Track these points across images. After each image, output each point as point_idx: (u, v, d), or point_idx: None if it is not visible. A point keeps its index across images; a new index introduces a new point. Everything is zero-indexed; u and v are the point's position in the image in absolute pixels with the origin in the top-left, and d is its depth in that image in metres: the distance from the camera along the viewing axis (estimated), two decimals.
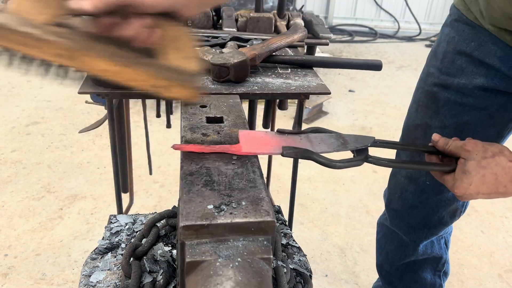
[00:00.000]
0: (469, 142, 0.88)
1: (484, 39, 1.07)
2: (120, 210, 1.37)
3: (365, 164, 0.86)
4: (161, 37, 0.69)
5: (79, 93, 1.08)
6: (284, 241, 1.08)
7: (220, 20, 1.53)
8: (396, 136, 3.39)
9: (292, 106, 3.27)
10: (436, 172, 0.95)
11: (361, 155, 0.85)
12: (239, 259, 0.60)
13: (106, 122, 1.28)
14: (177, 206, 0.93)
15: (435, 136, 0.94)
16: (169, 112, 1.93)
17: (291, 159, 1.39)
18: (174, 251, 0.96)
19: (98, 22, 0.65)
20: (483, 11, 1.05)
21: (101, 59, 0.65)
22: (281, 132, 0.86)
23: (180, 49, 0.71)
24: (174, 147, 0.79)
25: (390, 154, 0.92)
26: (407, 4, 6.29)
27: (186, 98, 0.71)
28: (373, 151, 0.87)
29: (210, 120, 0.94)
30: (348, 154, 0.87)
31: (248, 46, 1.29)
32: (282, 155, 0.79)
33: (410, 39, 6.23)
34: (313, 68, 1.31)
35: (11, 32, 0.62)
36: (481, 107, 1.13)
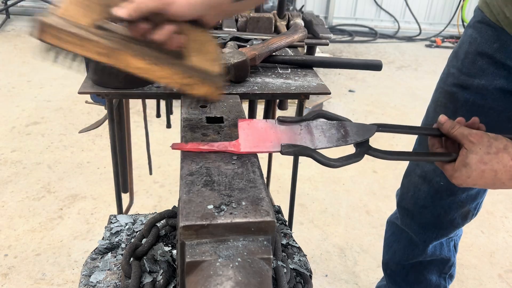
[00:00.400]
0: (475, 133, 0.87)
1: (507, 41, 1.07)
2: (120, 210, 1.37)
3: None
4: (189, 42, 0.79)
5: (79, 93, 1.08)
6: (284, 241, 1.08)
7: (220, 20, 1.53)
8: (396, 136, 3.39)
9: (292, 106, 3.26)
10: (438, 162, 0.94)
11: (361, 148, 0.84)
12: (239, 259, 0.60)
13: (106, 122, 1.28)
14: (177, 206, 0.93)
15: (442, 118, 0.93)
16: (169, 112, 1.93)
17: (291, 159, 1.39)
18: (174, 251, 0.96)
19: (133, 27, 0.75)
20: (509, 16, 1.05)
21: (135, 58, 0.75)
22: (282, 121, 0.86)
23: (206, 53, 0.81)
24: (173, 146, 0.79)
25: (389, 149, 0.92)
26: (407, 4, 6.29)
27: (209, 95, 0.80)
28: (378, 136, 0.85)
29: (210, 120, 0.94)
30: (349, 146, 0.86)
31: (248, 46, 1.29)
32: (281, 153, 0.79)
33: (410, 39, 6.23)
34: (313, 68, 1.31)
35: (59, 32, 0.71)
36: (500, 109, 1.12)
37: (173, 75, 0.76)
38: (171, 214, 1.00)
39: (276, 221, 0.70)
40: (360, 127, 0.87)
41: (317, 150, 0.80)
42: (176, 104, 1.00)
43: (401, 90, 4.38)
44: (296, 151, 0.79)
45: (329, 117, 0.89)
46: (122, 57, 0.74)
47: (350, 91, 4.23)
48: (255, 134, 0.82)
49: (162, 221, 1.01)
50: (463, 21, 6.29)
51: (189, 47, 0.79)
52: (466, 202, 1.30)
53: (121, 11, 0.73)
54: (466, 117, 1.17)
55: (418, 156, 0.98)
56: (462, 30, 6.31)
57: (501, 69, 1.09)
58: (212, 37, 0.80)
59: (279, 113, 1.98)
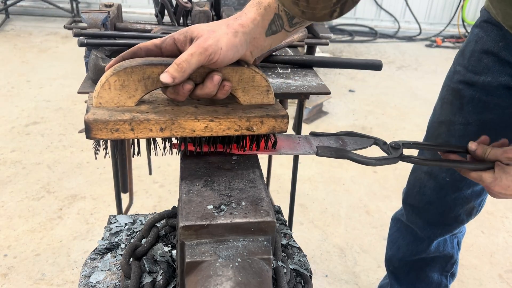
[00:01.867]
0: (510, 149, 0.88)
1: (511, 40, 1.09)
2: (119, 210, 1.37)
3: None
4: (235, 83, 0.76)
5: (79, 93, 1.08)
6: (284, 241, 1.08)
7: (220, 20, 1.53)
8: (396, 136, 3.39)
9: (292, 106, 3.27)
10: (466, 170, 0.93)
11: (395, 153, 0.85)
12: (239, 260, 0.60)
13: None
14: (177, 206, 0.93)
15: (472, 145, 0.93)
16: None
17: (291, 160, 1.39)
18: (174, 251, 0.95)
19: (178, 90, 0.71)
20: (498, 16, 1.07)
21: (198, 120, 0.71)
22: (314, 135, 0.88)
23: (255, 87, 0.77)
24: (173, 146, 0.79)
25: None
26: (407, 4, 6.29)
27: (275, 129, 0.75)
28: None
29: None
30: (379, 152, 0.87)
31: None
32: (317, 154, 0.80)
33: (410, 39, 6.23)
34: (313, 68, 1.31)
35: (108, 124, 0.67)
36: (505, 106, 1.15)
37: (233, 124, 0.72)
38: (171, 214, 1.00)
39: (276, 221, 0.70)
40: (358, 140, 0.88)
41: (353, 151, 0.81)
42: None
43: (401, 90, 4.38)
44: (332, 152, 0.80)
45: (358, 135, 0.91)
46: (185, 124, 0.70)
47: (350, 91, 4.23)
48: None
49: (162, 221, 1.01)
50: (463, 21, 6.28)
51: (237, 89, 0.77)
52: (471, 198, 1.31)
53: (166, 78, 0.68)
54: (471, 113, 1.19)
55: (453, 163, 0.95)
56: (462, 30, 6.32)
57: (506, 66, 1.12)
58: (255, 69, 0.77)
59: None
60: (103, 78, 0.70)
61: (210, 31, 0.71)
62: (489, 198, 1.37)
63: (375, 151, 0.88)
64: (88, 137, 0.67)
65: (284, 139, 0.85)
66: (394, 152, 0.86)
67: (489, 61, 1.14)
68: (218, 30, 0.72)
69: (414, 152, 0.99)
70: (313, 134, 0.89)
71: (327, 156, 0.79)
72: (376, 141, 0.90)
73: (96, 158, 0.74)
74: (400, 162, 0.87)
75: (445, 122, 1.26)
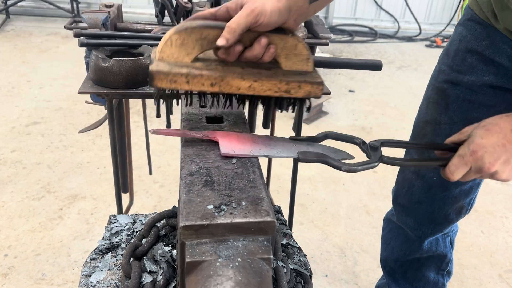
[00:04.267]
0: (462, 131, 0.90)
1: (496, 39, 1.09)
2: (120, 210, 1.37)
3: None
4: (279, 49, 0.82)
5: (79, 93, 1.08)
6: (284, 241, 1.08)
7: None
8: (396, 136, 3.39)
9: None
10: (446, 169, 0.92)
11: (375, 156, 0.85)
12: (239, 259, 0.60)
13: (106, 122, 1.28)
14: (177, 206, 0.93)
15: (447, 142, 0.93)
16: (169, 112, 1.93)
17: (291, 159, 1.39)
18: (174, 251, 0.96)
19: (229, 52, 0.79)
20: (497, 13, 1.07)
21: (244, 79, 0.79)
22: (293, 139, 0.89)
23: (296, 55, 0.84)
24: (152, 131, 0.81)
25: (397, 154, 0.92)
26: (407, 4, 6.29)
27: (310, 94, 0.83)
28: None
29: (210, 120, 0.94)
30: (362, 157, 0.87)
31: None
32: (299, 160, 0.81)
33: (410, 39, 6.23)
34: None
35: (168, 75, 0.76)
36: (490, 104, 1.14)
37: (273, 86, 0.80)
38: (171, 214, 1.00)
39: (276, 221, 0.70)
40: (331, 149, 0.89)
41: (332, 157, 0.82)
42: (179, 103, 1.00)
43: (401, 90, 4.38)
44: (313, 158, 0.80)
45: (338, 137, 0.90)
46: (232, 82, 0.78)
47: (350, 91, 4.23)
48: (233, 139, 0.84)
49: (162, 221, 1.01)
50: None
51: (280, 55, 0.83)
52: (460, 197, 1.31)
53: (221, 41, 0.76)
54: (457, 112, 1.19)
55: (432, 162, 0.95)
56: None
57: (490, 65, 1.11)
58: (298, 38, 0.83)
59: (279, 113, 1.98)
60: (166, 36, 0.78)
61: None
62: (488, 198, 1.37)
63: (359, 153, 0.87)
64: (150, 85, 0.77)
65: (264, 140, 0.86)
66: (373, 153, 0.85)
67: (473, 60, 1.14)
68: None
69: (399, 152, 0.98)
70: (292, 138, 0.89)
71: (308, 161, 0.81)
72: (356, 141, 0.90)
73: (155, 104, 0.87)
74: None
75: (431, 121, 1.26)
